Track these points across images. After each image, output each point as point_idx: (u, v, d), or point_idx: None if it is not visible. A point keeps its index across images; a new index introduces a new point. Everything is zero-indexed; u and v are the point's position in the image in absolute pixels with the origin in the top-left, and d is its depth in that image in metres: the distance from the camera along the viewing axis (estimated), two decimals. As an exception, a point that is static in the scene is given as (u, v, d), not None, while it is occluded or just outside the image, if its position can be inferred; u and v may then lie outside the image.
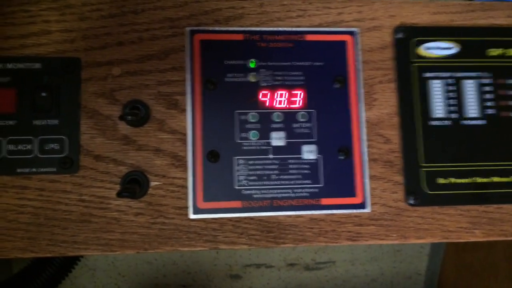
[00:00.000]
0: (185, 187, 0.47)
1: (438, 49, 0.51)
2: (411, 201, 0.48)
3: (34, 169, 0.46)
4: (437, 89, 0.50)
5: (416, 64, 0.50)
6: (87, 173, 0.46)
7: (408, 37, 0.51)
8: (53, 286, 0.74)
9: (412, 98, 0.50)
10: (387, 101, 0.50)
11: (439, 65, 0.51)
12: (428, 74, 0.50)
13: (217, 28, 0.49)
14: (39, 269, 0.73)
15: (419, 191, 0.49)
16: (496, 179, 0.50)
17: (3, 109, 0.46)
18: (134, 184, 0.46)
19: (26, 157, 0.46)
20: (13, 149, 0.46)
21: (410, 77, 0.50)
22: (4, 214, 0.45)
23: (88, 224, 0.46)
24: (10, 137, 0.46)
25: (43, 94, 0.46)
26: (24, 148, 0.46)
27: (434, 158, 0.49)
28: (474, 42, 0.51)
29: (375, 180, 0.49)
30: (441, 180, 0.49)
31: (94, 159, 0.47)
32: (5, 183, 0.46)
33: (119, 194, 0.42)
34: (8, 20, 0.48)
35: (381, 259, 1.01)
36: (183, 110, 0.48)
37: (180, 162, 0.47)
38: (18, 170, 0.46)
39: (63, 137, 0.47)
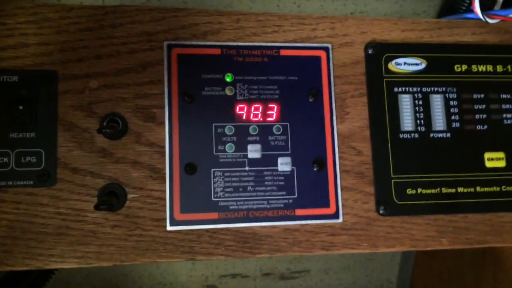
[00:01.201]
0: (162, 199, 0.48)
1: (407, 64, 0.53)
2: (381, 211, 0.50)
3: (10, 182, 0.46)
4: (406, 103, 0.52)
5: (387, 79, 0.52)
6: (64, 186, 0.47)
7: (379, 53, 0.53)
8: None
9: (382, 112, 0.52)
10: (359, 115, 0.52)
11: (408, 80, 0.53)
12: (398, 89, 0.52)
13: (194, 43, 0.50)
14: (12, 283, 0.72)
15: (389, 201, 0.51)
16: (461, 189, 0.52)
17: (-21, 122, 0.46)
18: (111, 197, 0.46)
19: (3, 170, 0.46)
20: (-12, 162, 0.46)
21: (380, 91, 0.52)
22: (-20, 228, 0.45)
23: (65, 237, 0.46)
24: (-14, 150, 0.46)
25: (20, 107, 0.46)
26: (1, 161, 0.46)
27: (403, 170, 0.51)
28: (441, 58, 0.54)
29: (347, 191, 0.51)
30: (410, 191, 0.51)
31: (71, 172, 0.47)
32: (-19, 196, 0.45)
33: (97, 207, 0.43)
34: (-16, 33, 0.47)
35: (354, 268, 1.03)
36: (161, 123, 0.49)
37: (158, 174, 0.48)
38: (-6, 183, 0.46)
39: (40, 150, 0.47)
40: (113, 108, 0.48)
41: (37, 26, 0.48)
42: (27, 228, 0.46)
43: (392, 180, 0.51)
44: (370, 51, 0.53)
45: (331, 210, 0.50)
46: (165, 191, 0.48)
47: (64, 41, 0.48)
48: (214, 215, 0.48)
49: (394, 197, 0.51)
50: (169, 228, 0.47)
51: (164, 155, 0.48)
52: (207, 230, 0.48)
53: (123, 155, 0.48)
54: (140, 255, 0.47)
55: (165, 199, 0.48)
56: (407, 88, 0.53)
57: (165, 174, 0.48)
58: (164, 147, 0.48)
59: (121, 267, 0.95)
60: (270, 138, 0.50)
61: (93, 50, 0.49)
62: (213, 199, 0.48)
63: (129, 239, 0.47)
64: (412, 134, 0.52)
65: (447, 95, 0.53)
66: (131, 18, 0.50)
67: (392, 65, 0.53)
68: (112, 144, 0.48)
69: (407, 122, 0.52)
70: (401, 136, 0.52)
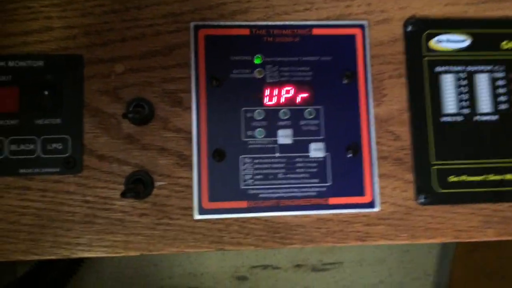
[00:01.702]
0: (190, 187, 0.46)
1: (450, 42, 0.49)
2: (422, 200, 0.47)
3: (37, 170, 0.45)
4: (448, 83, 0.49)
5: (427, 58, 0.49)
6: (90, 173, 0.46)
7: (419, 29, 0.49)
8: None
9: (423, 93, 0.48)
10: (397, 97, 0.49)
11: (451, 58, 0.49)
12: (439, 68, 0.49)
13: (222, 23, 0.48)
14: (43, 272, 0.73)
15: (430, 189, 0.47)
16: (509, 176, 0.48)
17: (6, 108, 0.46)
18: (138, 184, 0.45)
19: (29, 157, 0.45)
20: (15, 149, 0.45)
21: (421, 71, 0.49)
22: (6, 216, 0.44)
23: (92, 225, 0.45)
24: (12, 137, 0.45)
25: (46, 92, 0.45)
26: (27, 148, 0.45)
27: (445, 156, 0.48)
28: (487, 35, 0.50)
29: (385, 178, 0.48)
30: (453, 178, 0.48)
31: (97, 159, 0.46)
32: (8, 184, 0.45)
33: (124, 195, 0.41)
34: (10, 17, 0.47)
35: (389, 259, 1.00)
36: (188, 108, 0.47)
37: (185, 162, 0.46)
38: (21, 171, 0.45)
39: (66, 136, 0.46)
40: (139, 93, 0.47)
41: (61, 9, 0.47)
42: (54, 217, 0.45)
43: (433, 167, 0.48)
44: (409, 28, 0.49)
45: (366, 198, 0.47)
46: (192, 178, 0.46)
47: (88, 24, 0.47)
48: (243, 204, 0.46)
49: (435, 184, 0.47)
50: (197, 217, 0.46)
51: (191, 142, 0.47)
52: (236, 219, 0.46)
53: (149, 142, 0.46)
54: (168, 245, 0.46)
55: (192, 187, 0.46)
56: (449, 68, 0.49)
57: (192, 161, 0.46)
58: (191, 133, 0.47)
59: (151, 257, 0.95)
60: (301, 122, 0.47)
61: (118, 33, 0.47)
62: (242, 187, 0.46)
63: (157, 228, 0.46)
64: (455, 117, 0.48)
65: (494, 74, 0.49)
66: (156, -1, 0.48)
67: (433, 43, 0.49)
68: (139, 130, 0.46)
69: (450, 104, 0.48)
70: (443, 119, 0.48)
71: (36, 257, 0.45)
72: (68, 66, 0.47)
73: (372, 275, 1.00)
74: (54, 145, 0.46)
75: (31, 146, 0.45)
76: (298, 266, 0.98)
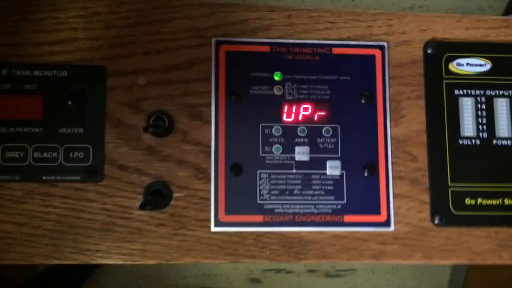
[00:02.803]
0: (207, 199, 0.47)
1: (469, 65, 0.49)
2: (437, 221, 0.47)
3: (59, 177, 0.46)
4: (467, 107, 0.49)
5: (447, 81, 0.49)
6: (111, 183, 0.47)
7: (439, 52, 0.49)
8: (77, 285, 0.76)
9: (441, 116, 0.49)
10: (415, 118, 0.49)
11: (470, 82, 0.49)
12: (458, 91, 0.49)
13: (243, 39, 0.49)
14: (63, 269, 0.74)
15: (446, 211, 0.48)
16: (525, 201, 0.48)
17: (31, 116, 0.47)
18: (157, 196, 0.46)
19: (52, 165, 0.46)
20: (38, 157, 0.46)
21: (439, 94, 0.49)
22: (30, 221, 0.46)
23: (111, 233, 0.46)
24: (36, 145, 0.46)
25: (70, 102, 0.46)
26: (50, 156, 0.47)
27: (462, 178, 0.48)
28: (508, 59, 0.50)
29: (400, 198, 0.48)
30: (469, 201, 0.48)
31: (118, 169, 0.47)
32: (32, 190, 0.46)
33: (142, 207, 0.42)
34: (37, 27, 0.48)
35: (403, 269, 0.99)
36: (208, 122, 0.48)
37: (203, 174, 0.47)
38: (44, 178, 0.46)
39: (88, 146, 0.47)
40: (160, 105, 0.48)
41: (87, 21, 0.48)
42: (75, 223, 0.46)
43: (450, 189, 0.48)
44: (429, 50, 0.49)
45: (382, 217, 0.47)
46: (210, 191, 0.47)
47: (113, 36, 0.48)
48: (259, 218, 0.47)
49: (451, 206, 0.48)
50: (213, 229, 0.46)
51: (209, 155, 0.47)
52: (251, 233, 0.47)
53: (169, 153, 0.47)
54: (184, 255, 0.46)
55: (210, 200, 0.47)
56: (469, 91, 0.49)
57: (210, 174, 0.47)
58: (210, 146, 0.47)
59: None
60: (319, 140, 0.48)
61: (142, 45, 0.48)
62: (258, 201, 0.47)
63: (174, 238, 0.46)
64: (473, 140, 0.48)
65: (513, 99, 0.49)
66: (180, 13, 0.49)
67: (453, 66, 0.49)
68: (159, 142, 0.47)
69: (468, 127, 0.49)
70: (460, 142, 0.48)
71: (57, 262, 0.46)
72: (91, 77, 0.48)
73: (385, 284, 1.00)
74: (76, 154, 0.47)
75: (54, 154, 0.47)
76: (311, 271, 0.99)
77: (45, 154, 0.47)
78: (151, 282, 0.97)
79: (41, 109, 0.47)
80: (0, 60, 0.47)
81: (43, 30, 0.48)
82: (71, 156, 0.47)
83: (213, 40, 0.48)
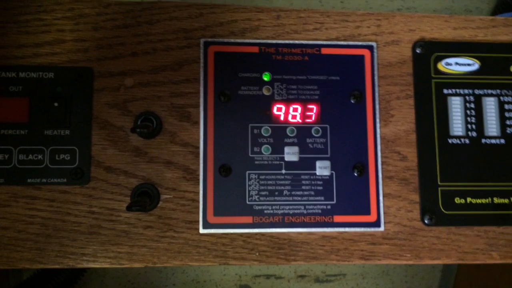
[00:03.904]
0: (195, 201, 0.46)
1: (458, 65, 0.50)
2: (427, 221, 0.47)
3: (44, 180, 0.46)
4: (456, 106, 0.49)
5: (436, 80, 0.49)
6: (97, 185, 0.46)
7: (428, 52, 0.49)
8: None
9: (430, 115, 0.49)
10: (404, 118, 0.49)
11: (459, 81, 0.49)
12: (447, 91, 0.49)
13: (232, 40, 0.49)
14: (48, 276, 0.73)
15: (435, 210, 0.47)
16: (515, 200, 0.48)
17: (16, 118, 0.46)
18: (144, 197, 0.45)
19: (37, 167, 0.46)
20: (23, 159, 0.46)
21: (428, 93, 0.49)
22: (14, 224, 0.45)
23: (97, 236, 0.45)
24: (21, 147, 0.46)
25: (56, 104, 0.46)
26: (35, 158, 0.46)
27: (451, 177, 0.48)
28: (496, 59, 0.50)
29: (390, 198, 0.48)
30: (458, 200, 0.48)
31: (104, 171, 0.46)
32: (16, 193, 0.45)
33: (129, 208, 0.42)
34: (22, 29, 0.47)
35: (392, 273, 0.99)
36: (196, 123, 0.47)
37: (191, 175, 0.47)
38: (29, 180, 0.45)
39: (74, 147, 0.46)
40: (148, 106, 0.47)
41: (74, 22, 0.48)
42: (60, 226, 0.45)
43: (439, 188, 0.48)
44: (418, 50, 0.49)
45: (371, 217, 0.47)
46: (198, 192, 0.46)
47: (100, 38, 0.48)
48: (248, 219, 0.46)
49: (440, 206, 0.47)
50: (202, 231, 0.46)
51: (198, 156, 0.47)
52: (241, 235, 0.46)
53: (157, 155, 0.47)
54: (172, 258, 0.46)
55: (198, 201, 0.46)
56: (457, 90, 0.49)
57: (198, 175, 0.47)
58: (198, 147, 0.47)
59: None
60: (308, 140, 0.48)
61: (129, 47, 0.48)
62: (247, 202, 0.47)
63: (161, 241, 0.46)
64: (462, 139, 0.48)
65: (501, 98, 0.49)
66: (168, 14, 0.48)
67: (442, 65, 0.49)
68: (146, 143, 0.47)
69: (457, 126, 0.49)
70: (450, 141, 0.48)
71: (41, 266, 0.45)
72: (78, 79, 0.47)
73: (375, 288, 1.00)
74: (62, 156, 0.46)
75: (40, 156, 0.46)
76: (301, 276, 0.98)
77: (30, 157, 0.46)
78: (140, 290, 0.96)
79: (27, 111, 0.46)
80: (-15, 61, 0.46)
81: (29, 32, 0.47)
82: (57, 158, 0.46)
83: (202, 41, 0.48)
